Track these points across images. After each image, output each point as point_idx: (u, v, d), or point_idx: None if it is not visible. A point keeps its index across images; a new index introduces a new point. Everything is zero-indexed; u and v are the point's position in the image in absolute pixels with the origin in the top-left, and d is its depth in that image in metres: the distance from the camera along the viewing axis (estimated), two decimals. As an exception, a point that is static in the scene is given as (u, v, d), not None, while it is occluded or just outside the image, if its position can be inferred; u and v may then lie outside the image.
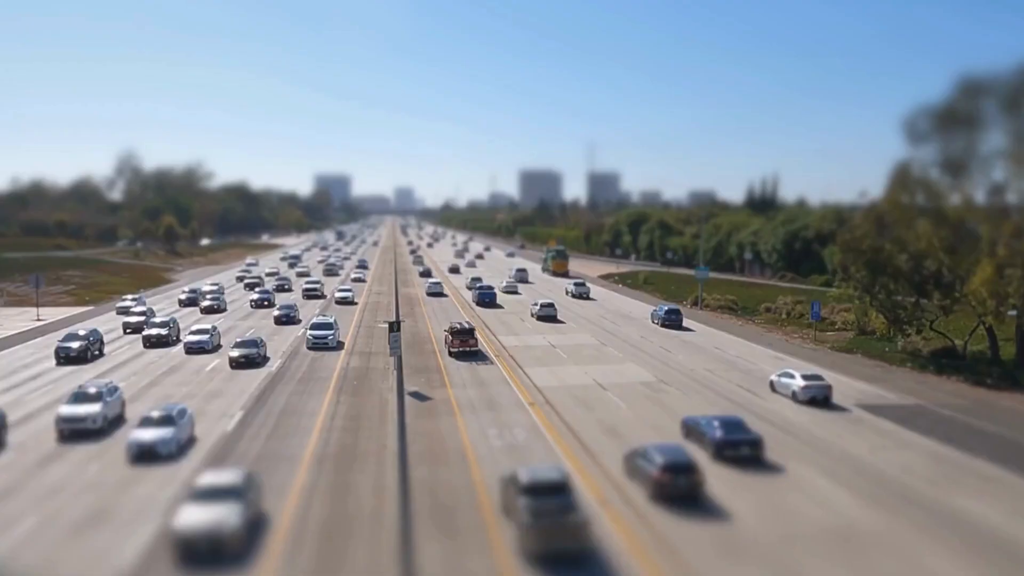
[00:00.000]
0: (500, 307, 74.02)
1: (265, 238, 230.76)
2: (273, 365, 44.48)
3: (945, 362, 45.05)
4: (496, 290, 79.85)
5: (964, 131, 43.34)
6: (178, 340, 51.85)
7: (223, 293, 77.52)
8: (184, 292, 78.94)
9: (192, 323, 58.60)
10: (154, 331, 51.42)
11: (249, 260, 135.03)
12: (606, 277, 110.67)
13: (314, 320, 54.61)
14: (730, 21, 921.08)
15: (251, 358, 43.69)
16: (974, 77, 42.93)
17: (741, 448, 27.36)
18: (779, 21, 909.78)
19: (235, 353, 43.85)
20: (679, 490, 23.31)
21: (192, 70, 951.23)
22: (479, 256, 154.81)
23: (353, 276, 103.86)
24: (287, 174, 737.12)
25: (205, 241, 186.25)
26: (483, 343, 52.55)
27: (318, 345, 49.16)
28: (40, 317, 65.54)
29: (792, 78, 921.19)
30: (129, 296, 76.81)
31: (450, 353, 47.52)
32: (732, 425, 28.42)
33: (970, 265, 42.99)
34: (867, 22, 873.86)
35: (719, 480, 25.34)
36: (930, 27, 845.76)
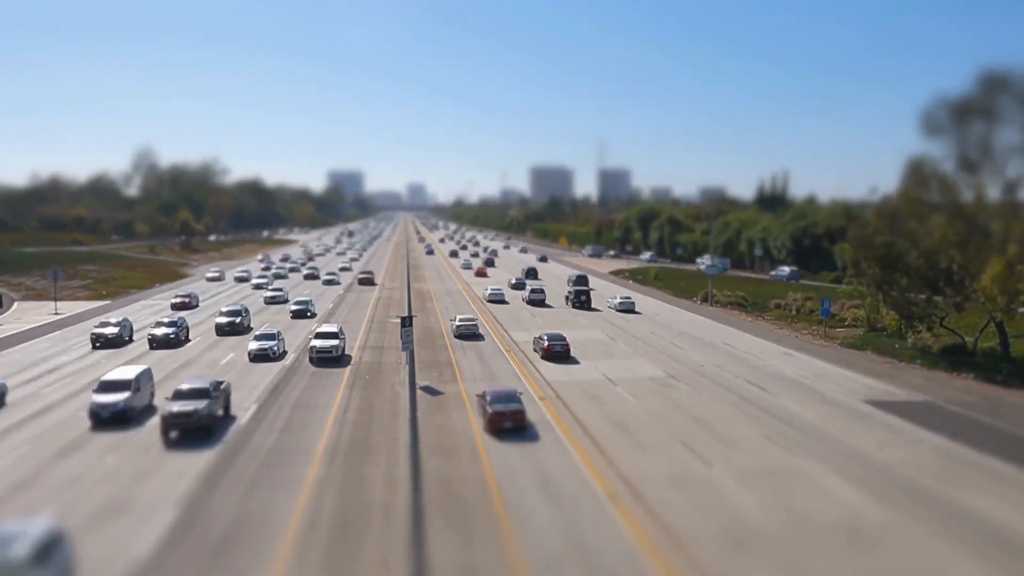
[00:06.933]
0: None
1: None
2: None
3: (955, 358, 45.04)
4: None
5: (980, 126, 43.21)
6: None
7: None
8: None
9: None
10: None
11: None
12: (616, 273, 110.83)
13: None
14: (741, 18, 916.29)
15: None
16: (994, 70, 42.81)
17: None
18: (791, 19, 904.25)
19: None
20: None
21: (209, 70, 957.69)
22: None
23: None
24: (301, 170, 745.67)
25: (212, 237, 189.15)
26: (494, 338, 52.97)
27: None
28: (58, 311, 66.44)
29: (803, 75, 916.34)
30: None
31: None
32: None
33: (982, 262, 42.94)
34: (879, 21, 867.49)
35: (732, 480, 25.64)
36: (942, 28, 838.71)
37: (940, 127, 44.10)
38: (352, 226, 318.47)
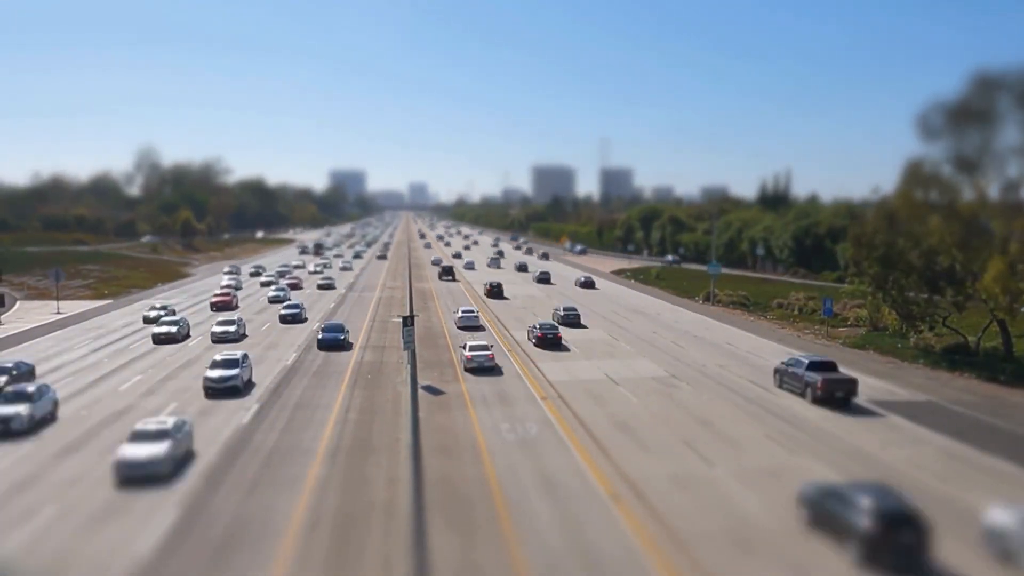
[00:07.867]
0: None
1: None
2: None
3: (957, 358, 44.93)
4: None
5: (978, 127, 43.10)
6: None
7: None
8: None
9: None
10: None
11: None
12: (618, 272, 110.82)
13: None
14: (743, 17, 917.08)
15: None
16: (989, 72, 42.76)
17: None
18: (791, 19, 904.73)
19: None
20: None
21: (211, 70, 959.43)
22: None
23: None
24: (303, 170, 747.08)
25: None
26: (495, 338, 52.91)
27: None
28: (60, 310, 66.53)
29: (804, 75, 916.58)
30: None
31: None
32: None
33: (983, 261, 42.84)
34: (879, 21, 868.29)
35: (734, 480, 25.58)
36: (941, 28, 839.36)
37: (936, 131, 44.03)
38: (329, 235, 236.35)
